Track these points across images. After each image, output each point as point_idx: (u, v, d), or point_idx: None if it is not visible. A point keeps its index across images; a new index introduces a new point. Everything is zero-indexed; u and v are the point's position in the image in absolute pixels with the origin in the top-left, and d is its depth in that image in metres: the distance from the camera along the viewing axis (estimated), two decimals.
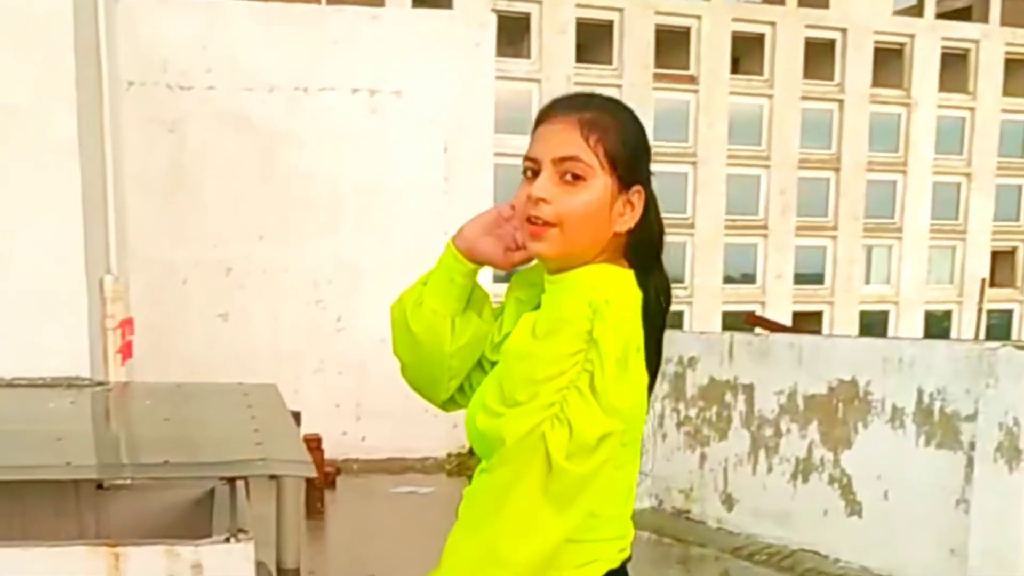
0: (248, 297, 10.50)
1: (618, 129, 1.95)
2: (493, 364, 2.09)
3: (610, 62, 42.22)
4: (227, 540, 5.60)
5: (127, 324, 8.05)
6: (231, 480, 6.06)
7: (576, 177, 1.91)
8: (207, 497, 6.93)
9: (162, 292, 9.40)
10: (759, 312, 38.18)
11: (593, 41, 41.45)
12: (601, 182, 1.92)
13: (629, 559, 2.10)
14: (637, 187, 1.97)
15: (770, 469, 7.60)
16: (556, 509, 1.83)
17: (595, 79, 40.41)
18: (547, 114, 1.98)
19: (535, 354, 1.82)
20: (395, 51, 10.63)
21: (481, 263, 2.14)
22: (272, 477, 6.64)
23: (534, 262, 2.11)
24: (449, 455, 11.33)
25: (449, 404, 2.25)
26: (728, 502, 8.01)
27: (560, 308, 1.86)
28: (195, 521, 6.70)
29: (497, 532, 1.83)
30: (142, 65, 9.76)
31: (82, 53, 6.99)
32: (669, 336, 7.33)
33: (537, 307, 2.01)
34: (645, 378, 1.93)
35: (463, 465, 11.09)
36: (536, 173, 1.95)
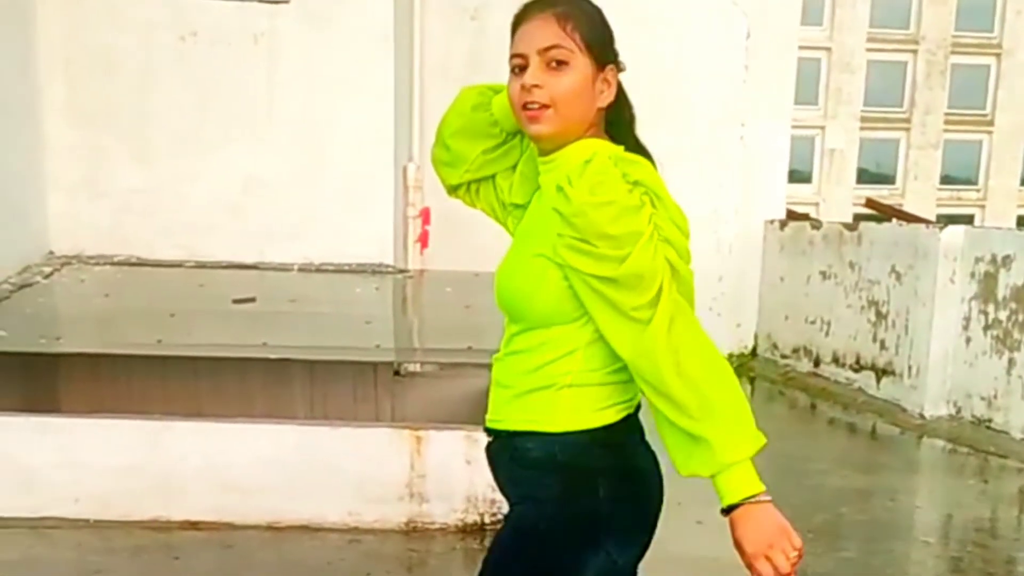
0: None
1: (588, 17, 2.15)
2: (501, 202, 2.40)
3: None
4: None
5: (425, 213, 8.18)
6: None
7: (560, 63, 2.11)
8: None
9: None
10: None
11: None
12: (582, 63, 2.12)
13: (640, 405, 2.25)
14: (610, 66, 2.17)
15: None
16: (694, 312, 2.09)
17: None
18: (523, 16, 2.17)
19: (608, 200, 2.00)
20: None
21: None
22: None
23: None
24: (731, 355, 11.12)
25: (456, 190, 2.48)
26: None
27: (588, 168, 2.04)
28: (482, 410, 6.84)
29: (697, 344, 2.03)
30: None
31: None
32: (980, 235, 6.83)
33: (538, 188, 2.25)
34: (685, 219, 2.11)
35: (744, 366, 10.89)
36: (523, 68, 2.14)
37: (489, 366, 6.80)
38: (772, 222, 10.81)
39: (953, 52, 40.84)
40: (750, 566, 2.05)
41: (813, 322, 10.12)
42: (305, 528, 5.41)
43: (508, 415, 2.24)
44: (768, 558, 2.03)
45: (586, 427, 2.15)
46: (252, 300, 6.16)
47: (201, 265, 6.86)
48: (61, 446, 5.46)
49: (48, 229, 6.82)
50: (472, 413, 6.72)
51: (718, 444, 2.01)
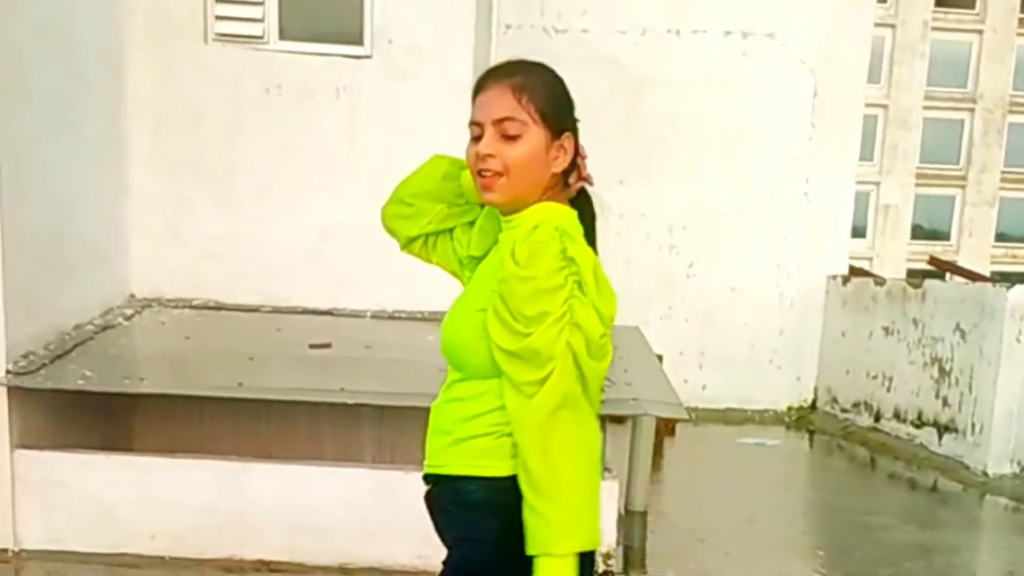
0: (603, 240, 10.60)
1: (545, 88, 2.25)
2: (459, 257, 2.49)
3: (972, 6, 39.61)
4: None
5: None
6: (606, 419, 6.19)
7: (514, 134, 2.21)
8: None
9: None
10: None
11: None
12: (535, 134, 2.22)
13: None
14: (567, 134, 2.27)
15: None
16: (594, 408, 2.16)
17: (954, 24, 38.23)
18: (483, 83, 2.28)
19: (531, 274, 2.09)
20: None
21: None
22: (618, 419, 6.70)
23: None
24: (790, 408, 11.15)
25: (412, 243, 2.57)
26: None
27: (534, 235, 2.15)
28: None
29: (577, 435, 2.11)
30: (520, 8, 10.03)
31: None
32: None
33: (496, 242, 2.34)
34: (613, 291, 2.20)
35: (804, 419, 10.89)
36: (481, 136, 2.24)
37: None
38: (835, 277, 10.84)
39: (1010, 111, 40.62)
40: None
41: (875, 377, 10.10)
42: (375, 570, 5.49)
43: (448, 460, 2.30)
44: None
45: None
46: (328, 346, 6.27)
47: (277, 310, 6.98)
48: (139, 484, 5.60)
49: (130, 273, 6.98)
50: None
51: (549, 528, 2.09)
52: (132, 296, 6.99)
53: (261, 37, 6.86)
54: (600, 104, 10.23)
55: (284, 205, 6.99)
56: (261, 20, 6.85)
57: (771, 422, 10.86)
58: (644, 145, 10.50)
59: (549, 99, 2.25)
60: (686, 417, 6.05)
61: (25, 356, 5.57)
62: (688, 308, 10.87)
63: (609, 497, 5.69)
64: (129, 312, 6.71)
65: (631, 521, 6.63)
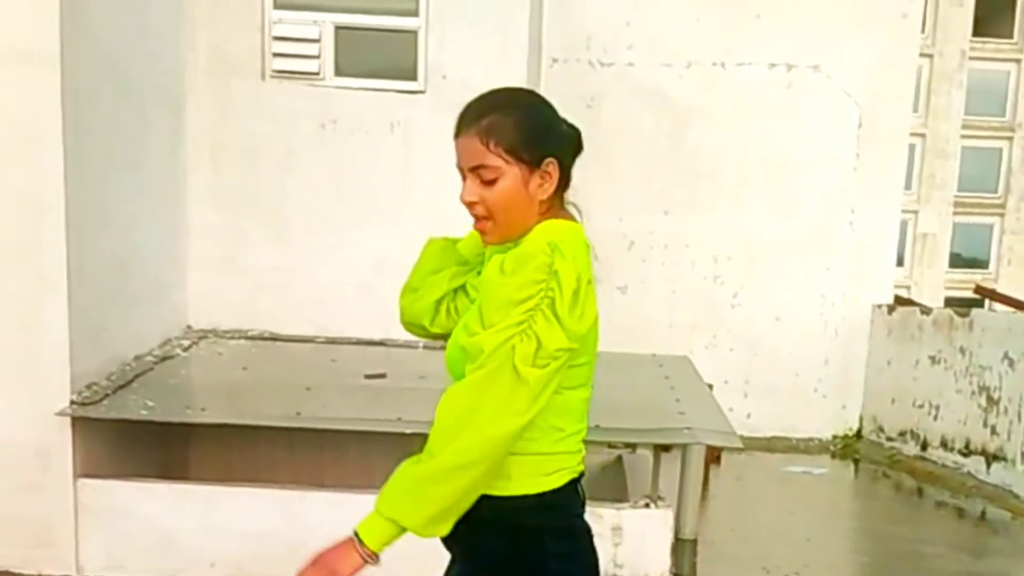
0: (648, 270, 10.71)
1: (515, 124, 2.24)
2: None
3: (1010, 36, 39.44)
4: (647, 506, 5.78)
5: None
6: (659, 448, 6.23)
7: (490, 179, 2.24)
8: (614, 464, 7.15)
9: None
10: None
11: (993, 14, 38.75)
12: (510, 174, 2.24)
13: (584, 473, 2.40)
14: (549, 159, 2.27)
15: None
16: (518, 410, 2.12)
17: (991, 53, 38.08)
18: (457, 129, 2.29)
19: (507, 283, 2.15)
20: (817, 23, 10.47)
21: None
22: (666, 448, 6.72)
23: None
24: (835, 437, 11.14)
25: (437, 316, 2.58)
26: None
27: (525, 246, 2.20)
28: (601, 486, 6.90)
29: (478, 425, 2.10)
30: (566, 43, 10.16)
31: (531, 31, 7.30)
32: None
33: None
34: (596, 306, 2.25)
35: (849, 448, 10.87)
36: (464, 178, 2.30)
37: (607, 444, 6.88)
38: (880, 307, 10.84)
39: None
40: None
41: (921, 406, 10.07)
42: None
43: None
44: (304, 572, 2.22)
45: (535, 491, 2.27)
46: (383, 376, 6.36)
47: (331, 341, 7.08)
48: (200, 512, 5.69)
49: (187, 304, 7.11)
50: (589, 489, 6.81)
51: (390, 485, 2.21)
52: (189, 327, 7.11)
53: (317, 73, 7.02)
54: (645, 136, 10.35)
55: (338, 238, 7.10)
56: (317, 57, 7.01)
57: (816, 451, 10.85)
58: (689, 176, 10.58)
59: (519, 134, 2.24)
60: (740, 446, 6.09)
61: (88, 387, 5.68)
62: (733, 338, 10.91)
63: (662, 525, 5.73)
64: (186, 343, 6.83)
65: (681, 549, 6.65)
